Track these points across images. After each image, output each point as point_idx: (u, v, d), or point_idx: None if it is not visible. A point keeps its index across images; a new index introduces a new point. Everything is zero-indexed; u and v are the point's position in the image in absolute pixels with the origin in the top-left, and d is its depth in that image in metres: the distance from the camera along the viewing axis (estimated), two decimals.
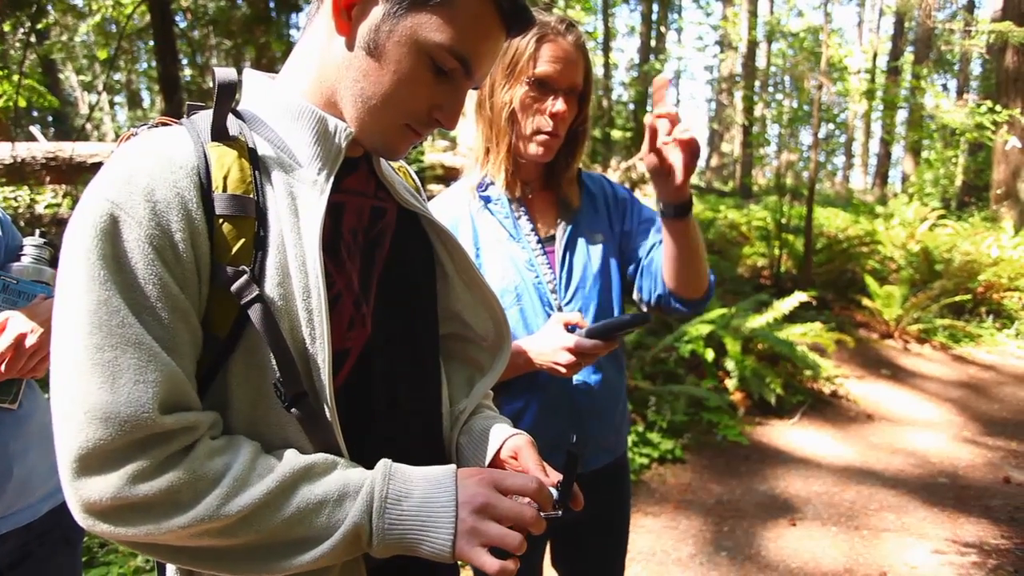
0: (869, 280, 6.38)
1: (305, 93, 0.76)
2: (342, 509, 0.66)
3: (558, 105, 1.23)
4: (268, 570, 0.65)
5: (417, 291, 0.88)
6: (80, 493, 0.60)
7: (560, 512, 0.73)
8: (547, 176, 1.37)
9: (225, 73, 0.71)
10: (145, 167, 0.64)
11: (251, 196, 0.68)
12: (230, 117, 0.73)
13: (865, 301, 6.34)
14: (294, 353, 0.67)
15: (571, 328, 1.21)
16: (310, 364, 0.69)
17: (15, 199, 5.13)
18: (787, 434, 4.10)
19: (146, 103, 18.23)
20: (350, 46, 0.72)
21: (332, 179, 0.74)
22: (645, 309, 1.35)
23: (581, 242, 1.34)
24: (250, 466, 0.65)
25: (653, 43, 15.17)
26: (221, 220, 0.66)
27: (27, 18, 5.31)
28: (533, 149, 1.26)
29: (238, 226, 0.67)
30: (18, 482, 1.16)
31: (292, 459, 0.67)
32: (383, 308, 0.81)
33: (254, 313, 0.65)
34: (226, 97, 0.71)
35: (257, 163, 0.71)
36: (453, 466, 0.72)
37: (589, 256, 1.34)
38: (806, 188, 7.24)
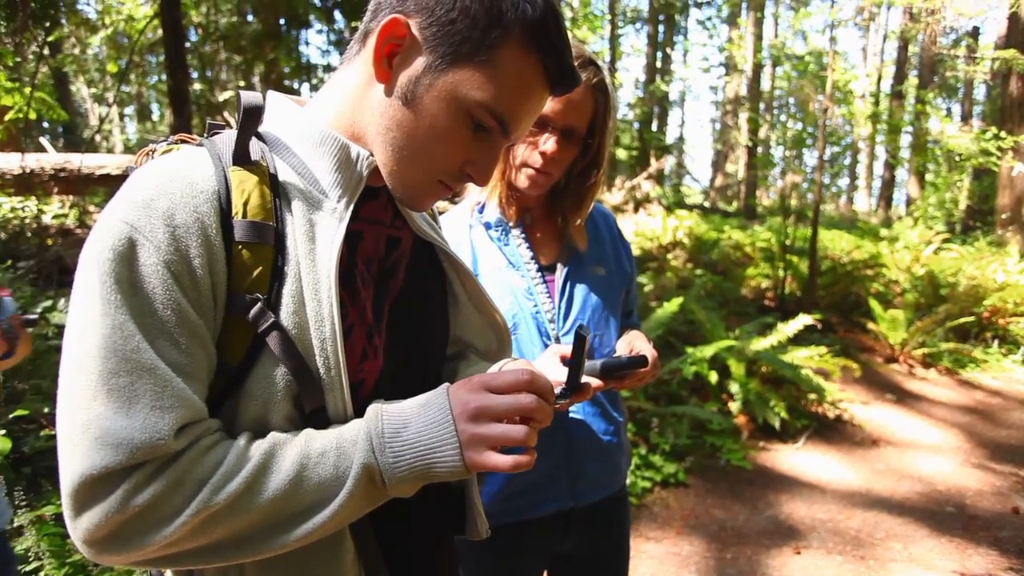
0: (874, 303, 6.35)
1: (331, 123, 0.75)
2: (346, 456, 0.65)
3: (548, 144, 1.20)
4: (295, 537, 0.63)
5: (429, 321, 0.87)
6: (81, 526, 0.59)
7: (570, 398, 0.78)
8: (549, 205, 1.35)
9: (251, 97, 0.70)
10: (166, 191, 0.63)
11: (270, 223, 0.68)
12: (252, 139, 0.72)
13: (870, 324, 6.30)
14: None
15: (567, 362, 1.20)
16: (325, 395, 0.68)
17: (23, 209, 5.15)
18: (791, 459, 4.05)
19: (155, 116, 18.42)
20: (388, 92, 0.71)
21: (352, 208, 0.73)
22: None
23: (583, 273, 1.33)
24: (245, 447, 0.64)
25: (659, 64, 15.31)
26: (240, 246, 0.65)
27: (42, 31, 5.38)
28: (521, 181, 1.25)
29: (256, 253, 0.66)
30: None
31: (281, 432, 0.67)
32: (394, 339, 0.80)
33: (272, 340, 0.65)
34: (251, 121, 0.70)
35: (278, 189, 0.70)
36: (445, 384, 0.71)
37: (590, 288, 1.32)
38: (811, 210, 7.24)
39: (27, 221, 5.02)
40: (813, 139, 8.22)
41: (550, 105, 1.19)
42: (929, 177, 14.06)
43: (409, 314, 0.83)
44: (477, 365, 0.94)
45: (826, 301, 7.14)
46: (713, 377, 4.36)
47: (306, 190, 0.72)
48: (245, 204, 0.67)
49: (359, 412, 0.71)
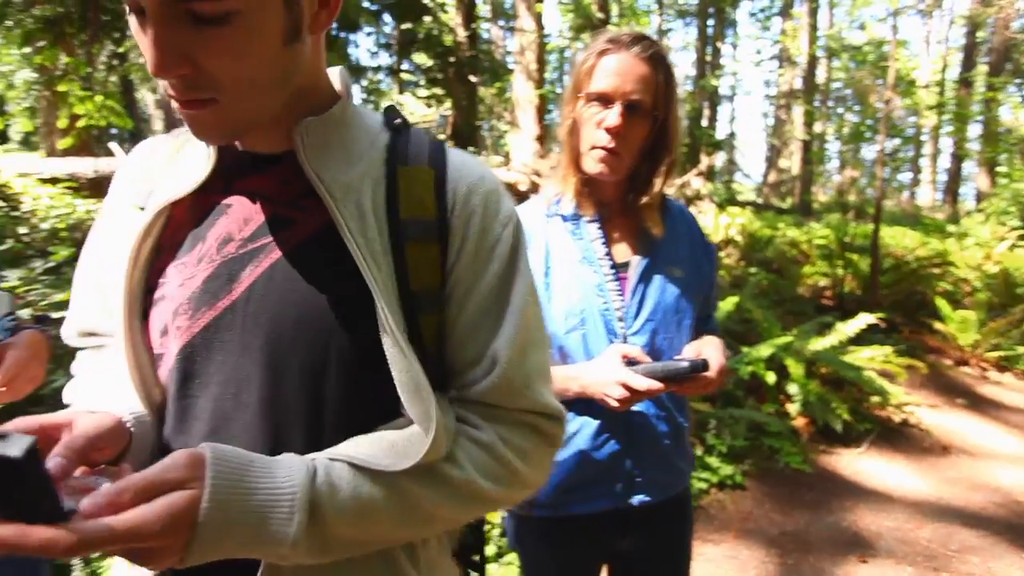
0: (941, 303, 6.04)
1: None
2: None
3: (610, 119, 1.18)
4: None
5: (280, 324, 0.66)
6: None
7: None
8: (628, 199, 1.31)
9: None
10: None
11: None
12: None
13: (937, 325, 6.00)
14: None
15: (629, 362, 1.17)
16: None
17: (97, 211, 5.43)
18: (854, 463, 3.89)
19: None
20: None
21: (206, 173, 0.70)
22: None
23: (658, 273, 1.29)
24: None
25: (708, 58, 14.97)
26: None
27: (112, 42, 5.65)
28: (589, 165, 1.24)
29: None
30: None
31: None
32: (244, 325, 0.66)
33: None
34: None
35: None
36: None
37: (664, 289, 1.28)
38: (870, 206, 6.96)
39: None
40: (873, 132, 7.90)
41: (608, 80, 1.20)
42: (1001, 169, 13.28)
43: (267, 307, 0.67)
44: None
45: (889, 300, 6.83)
46: (771, 378, 4.22)
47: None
48: None
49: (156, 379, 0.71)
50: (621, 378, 1.13)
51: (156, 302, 0.70)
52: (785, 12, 16.81)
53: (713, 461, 3.60)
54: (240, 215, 0.70)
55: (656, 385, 1.12)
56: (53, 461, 0.54)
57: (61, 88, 5.03)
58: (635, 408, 1.25)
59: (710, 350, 1.23)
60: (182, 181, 0.71)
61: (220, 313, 0.67)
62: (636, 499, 1.27)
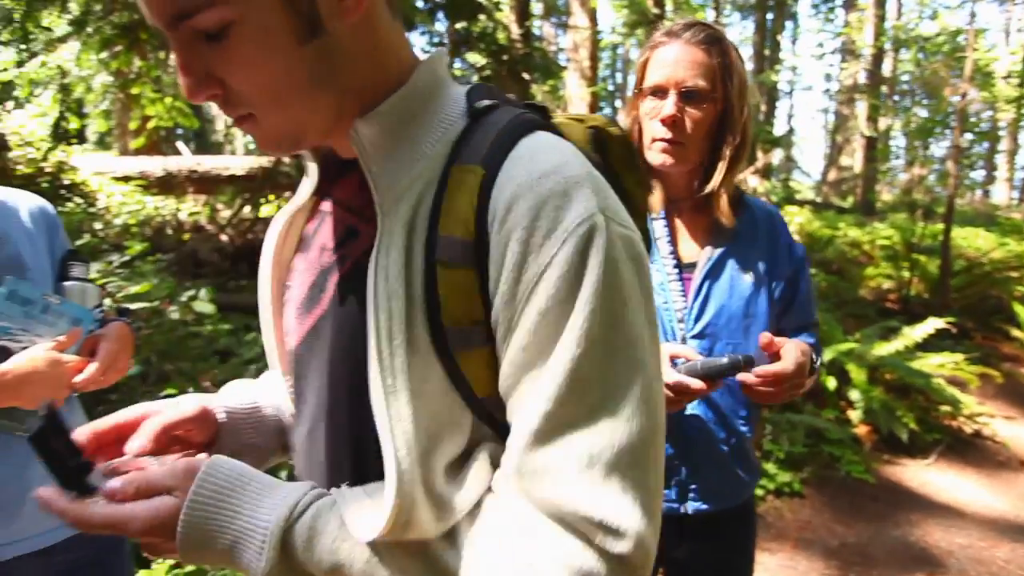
0: (1019, 308, 5.69)
1: None
2: None
3: (665, 109, 1.17)
4: None
5: (339, 342, 0.63)
6: None
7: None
8: (699, 196, 1.25)
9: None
10: None
11: None
12: None
13: (1014, 331, 5.66)
14: None
15: (675, 362, 1.13)
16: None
17: (164, 207, 5.68)
18: (921, 475, 3.70)
19: None
20: None
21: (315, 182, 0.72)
22: None
23: (726, 275, 1.23)
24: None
25: (767, 52, 14.53)
26: None
27: None
28: (652, 157, 1.22)
29: None
30: (33, 507, 1.14)
31: None
32: (318, 342, 0.65)
33: None
34: None
35: None
36: None
37: (732, 292, 1.22)
38: (940, 205, 6.61)
39: (167, 218, 5.52)
40: (943, 127, 7.50)
41: (661, 72, 1.18)
42: None
43: (336, 322, 0.64)
44: None
45: (959, 304, 6.47)
46: (831, 383, 4.07)
47: None
48: None
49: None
50: (665, 378, 1.09)
51: (285, 302, 0.72)
52: (849, 3, 16.14)
53: (770, 467, 3.49)
54: (330, 223, 0.67)
55: (694, 383, 1.06)
56: (134, 442, 0.64)
57: (134, 91, 5.29)
58: (689, 412, 1.21)
59: (788, 348, 1.13)
60: (303, 187, 0.73)
61: (316, 321, 0.65)
62: (691, 506, 1.23)
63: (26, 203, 1.22)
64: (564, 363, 0.51)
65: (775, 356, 1.12)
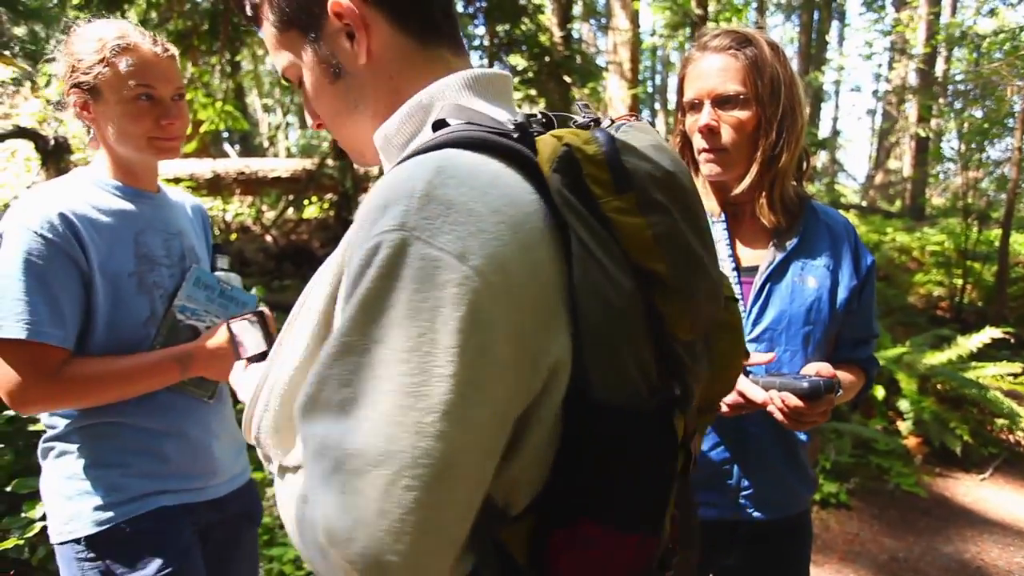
0: None
1: None
2: None
3: (702, 118, 1.18)
4: None
5: None
6: None
7: None
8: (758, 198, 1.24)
9: None
10: None
11: None
12: None
13: None
14: None
15: (748, 370, 1.12)
16: None
17: (212, 208, 5.87)
18: (976, 491, 3.56)
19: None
20: None
21: None
22: None
23: (787, 279, 1.21)
24: None
25: (813, 51, 14.18)
26: None
27: (228, 51, 6.10)
28: (703, 169, 1.23)
29: None
30: (212, 459, 1.29)
31: None
32: None
33: None
34: None
35: None
36: None
37: (792, 298, 1.20)
38: (996, 210, 6.34)
39: (215, 219, 5.71)
40: (1002, 128, 7.19)
41: (694, 86, 1.20)
42: None
43: None
44: None
45: (1017, 313, 6.21)
46: (879, 392, 3.95)
47: None
48: None
49: None
50: (737, 384, 1.08)
51: None
52: (900, 1, 15.64)
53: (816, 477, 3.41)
54: None
55: (758, 396, 1.07)
56: None
57: (188, 96, 5.48)
58: (746, 418, 1.20)
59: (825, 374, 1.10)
60: None
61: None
62: (744, 513, 1.22)
63: (188, 201, 1.39)
64: (323, 354, 0.54)
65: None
